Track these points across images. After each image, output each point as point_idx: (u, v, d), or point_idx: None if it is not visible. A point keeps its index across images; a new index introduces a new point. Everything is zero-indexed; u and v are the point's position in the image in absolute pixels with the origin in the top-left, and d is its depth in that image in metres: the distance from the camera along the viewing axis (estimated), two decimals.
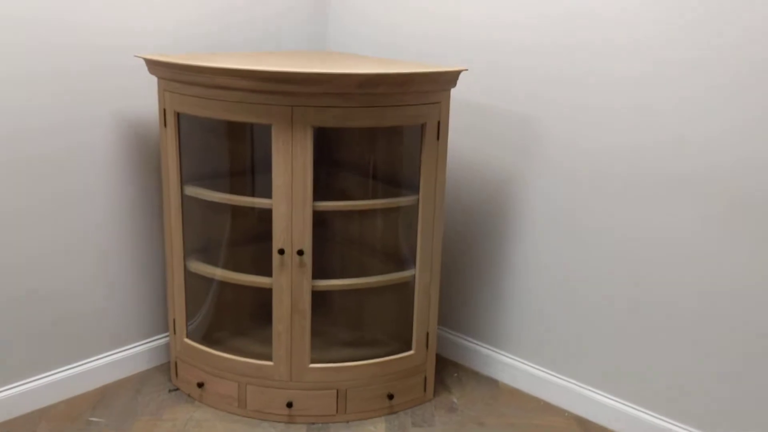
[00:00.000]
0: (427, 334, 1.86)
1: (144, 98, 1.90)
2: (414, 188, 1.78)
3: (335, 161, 2.03)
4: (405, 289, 1.85)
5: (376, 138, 1.96)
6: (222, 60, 1.69)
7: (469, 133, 1.98)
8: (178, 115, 1.72)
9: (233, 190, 1.86)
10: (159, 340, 2.08)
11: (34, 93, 1.70)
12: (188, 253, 1.86)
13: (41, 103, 1.72)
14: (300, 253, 1.66)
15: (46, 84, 1.71)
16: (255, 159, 1.95)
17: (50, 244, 1.81)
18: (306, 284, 1.70)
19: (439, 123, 1.71)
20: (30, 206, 1.75)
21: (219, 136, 1.94)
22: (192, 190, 1.77)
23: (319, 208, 1.67)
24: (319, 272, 1.76)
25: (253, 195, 1.86)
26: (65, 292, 1.86)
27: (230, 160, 1.95)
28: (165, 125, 1.74)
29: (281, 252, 1.67)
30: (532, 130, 1.85)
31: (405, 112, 1.64)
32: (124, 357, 2.02)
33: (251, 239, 1.99)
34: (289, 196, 1.64)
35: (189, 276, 1.85)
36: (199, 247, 1.92)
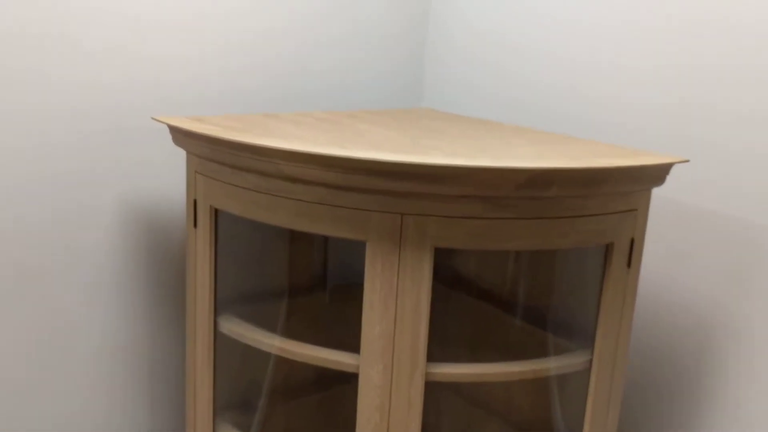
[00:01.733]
0: None
1: (168, 180, 1.32)
2: (579, 337, 1.15)
3: (451, 281, 1.40)
4: None
5: (520, 254, 1.32)
6: (290, 129, 1.08)
7: (654, 249, 1.33)
8: (215, 212, 1.12)
9: (292, 329, 1.23)
10: None
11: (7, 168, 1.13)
12: (219, 412, 1.24)
13: (17, 184, 1.15)
14: None
15: (26, 156, 1.14)
16: (330, 278, 1.34)
17: (33, 388, 1.22)
18: None
19: (632, 241, 1.08)
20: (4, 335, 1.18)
21: (275, 239, 1.33)
22: (229, 326, 1.15)
23: (437, 377, 1.04)
24: None
25: (323, 340, 1.24)
26: None
27: (289, 277, 1.33)
28: (195, 225, 1.14)
29: None
30: (760, 246, 1.20)
31: (585, 225, 1.01)
32: None
33: (316, 386, 1.37)
34: (389, 357, 1.02)
35: None
36: (234, 401, 1.30)
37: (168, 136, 1.31)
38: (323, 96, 1.48)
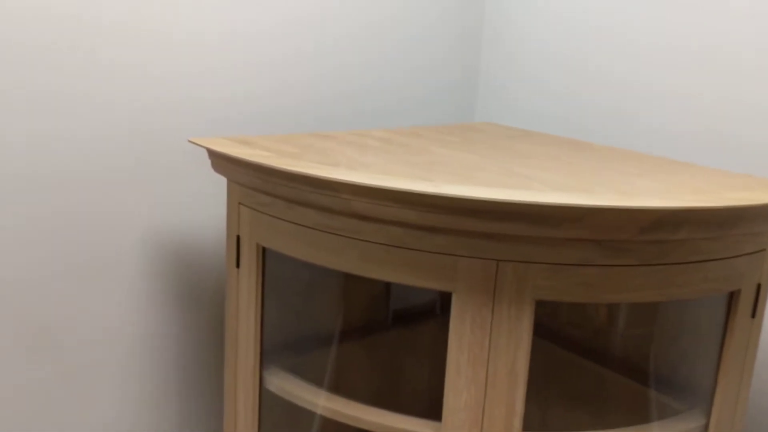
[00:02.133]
0: None
1: (202, 211, 1.15)
2: (687, 396, 0.99)
3: (538, 329, 1.24)
4: None
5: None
6: (353, 154, 0.92)
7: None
8: (263, 252, 0.96)
9: (350, 383, 1.07)
10: None
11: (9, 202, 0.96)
12: None
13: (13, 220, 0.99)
14: None
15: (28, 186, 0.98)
16: (394, 326, 1.18)
17: None
18: None
19: (759, 287, 0.92)
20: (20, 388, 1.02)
21: (327, 274, 1.17)
22: (278, 382, 0.99)
23: None
24: None
25: (390, 393, 1.08)
26: None
27: (344, 319, 1.17)
28: (237, 265, 0.98)
29: None
30: None
31: (712, 272, 0.86)
32: None
33: None
34: (477, 429, 0.86)
35: None
36: None
37: (205, 161, 1.15)
38: (373, 112, 1.33)
